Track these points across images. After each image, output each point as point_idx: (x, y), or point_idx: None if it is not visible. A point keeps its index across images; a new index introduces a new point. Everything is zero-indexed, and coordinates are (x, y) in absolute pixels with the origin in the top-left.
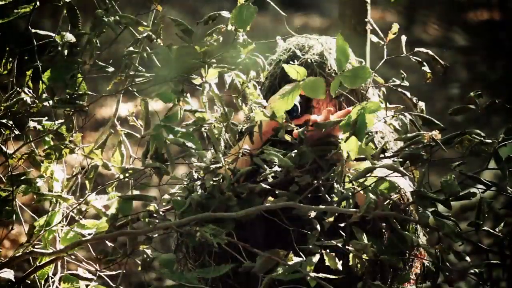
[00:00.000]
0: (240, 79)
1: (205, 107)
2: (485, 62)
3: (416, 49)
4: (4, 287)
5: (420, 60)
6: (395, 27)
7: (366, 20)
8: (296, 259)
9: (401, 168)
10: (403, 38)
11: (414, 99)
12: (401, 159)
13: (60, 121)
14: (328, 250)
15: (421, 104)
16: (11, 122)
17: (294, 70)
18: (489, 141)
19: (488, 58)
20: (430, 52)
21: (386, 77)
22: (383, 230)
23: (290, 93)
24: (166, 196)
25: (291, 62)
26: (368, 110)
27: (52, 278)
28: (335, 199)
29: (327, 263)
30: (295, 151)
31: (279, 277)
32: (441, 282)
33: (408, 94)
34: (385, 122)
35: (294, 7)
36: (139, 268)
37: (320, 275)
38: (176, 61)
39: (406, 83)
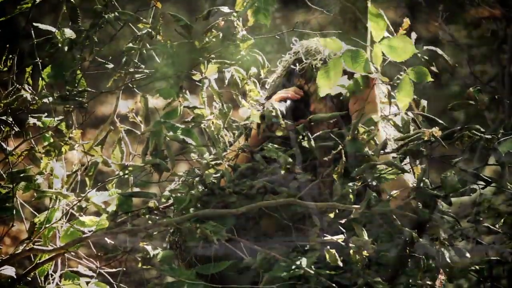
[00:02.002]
0: (240, 74)
1: (204, 103)
2: (486, 59)
3: (425, 47)
4: (4, 284)
5: (427, 59)
6: (406, 23)
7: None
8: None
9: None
10: (413, 35)
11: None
12: (401, 155)
13: (60, 117)
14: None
15: (423, 102)
16: (10, 119)
17: (330, 44)
18: (489, 136)
19: (489, 55)
20: (439, 51)
21: (386, 73)
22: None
23: (333, 69)
24: (166, 193)
25: (292, 66)
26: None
27: (52, 275)
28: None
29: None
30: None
31: (277, 273)
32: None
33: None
34: (385, 117)
35: (294, 4)
36: (139, 265)
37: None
38: (175, 57)
39: None
